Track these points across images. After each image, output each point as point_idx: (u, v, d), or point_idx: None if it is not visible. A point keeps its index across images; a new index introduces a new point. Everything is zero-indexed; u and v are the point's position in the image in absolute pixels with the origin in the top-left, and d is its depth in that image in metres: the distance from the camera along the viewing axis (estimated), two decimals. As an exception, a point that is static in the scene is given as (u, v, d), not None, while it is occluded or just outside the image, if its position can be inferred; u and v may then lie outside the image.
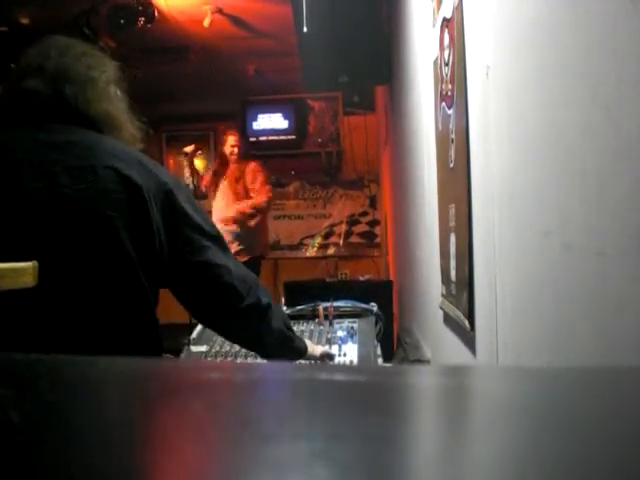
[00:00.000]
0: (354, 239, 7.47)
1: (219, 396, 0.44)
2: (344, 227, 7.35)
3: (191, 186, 5.43)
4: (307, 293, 2.79)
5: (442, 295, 2.01)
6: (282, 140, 7.29)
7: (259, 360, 1.91)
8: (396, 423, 0.37)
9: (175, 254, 1.49)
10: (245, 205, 5.25)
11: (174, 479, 0.31)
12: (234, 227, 5.19)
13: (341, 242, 7.20)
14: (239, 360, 2.05)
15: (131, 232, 1.42)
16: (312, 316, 2.44)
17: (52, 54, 1.49)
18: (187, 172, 5.58)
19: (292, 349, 1.75)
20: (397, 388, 0.45)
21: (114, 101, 1.56)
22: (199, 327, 2.33)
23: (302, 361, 1.83)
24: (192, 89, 7.04)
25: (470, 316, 1.58)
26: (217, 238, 1.57)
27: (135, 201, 1.43)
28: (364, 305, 2.52)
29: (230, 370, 0.55)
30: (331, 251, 7.38)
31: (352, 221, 7.50)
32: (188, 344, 2.21)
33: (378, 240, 7.34)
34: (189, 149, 5.59)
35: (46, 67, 1.47)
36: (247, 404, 0.42)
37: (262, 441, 0.33)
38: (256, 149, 6.95)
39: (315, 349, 1.89)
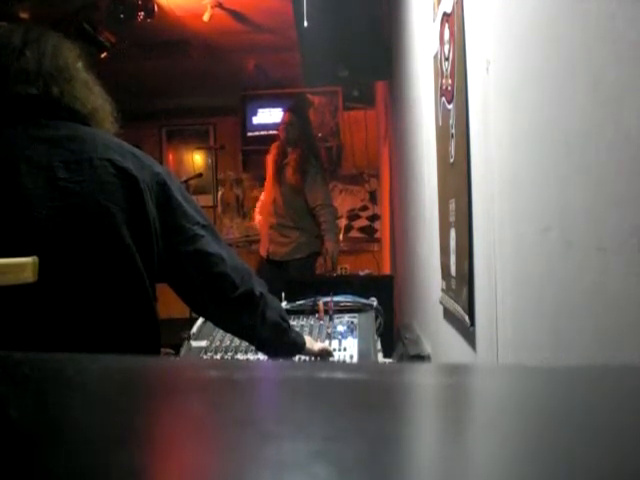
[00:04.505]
0: (354, 234, 7.47)
1: (218, 394, 0.43)
2: (344, 222, 7.34)
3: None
4: (307, 288, 2.79)
5: (442, 290, 2.01)
6: (282, 135, 7.28)
7: (259, 356, 1.92)
8: (396, 422, 0.37)
9: (169, 244, 1.51)
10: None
11: (174, 478, 0.31)
12: None
13: (341, 237, 7.19)
14: (239, 355, 2.05)
15: (129, 223, 1.43)
16: (312, 311, 2.44)
17: (28, 54, 1.48)
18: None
19: (288, 342, 1.75)
20: (398, 387, 0.45)
21: (94, 90, 1.56)
22: (199, 322, 2.33)
23: (301, 357, 1.84)
24: (192, 84, 7.03)
25: (470, 311, 1.58)
26: (209, 227, 1.59)
27: (132, 192, 1.44)
28: (364, 300, 2.52)
29: (230, 368, 0.55)
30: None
31: (352, 216, 7.50)
32: (188, 339, 2.21)
33: (378, 235, 7.33)
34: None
35: (29, 68, 1.46)
36: (247, 403, 0.42)
37: (262, 440, 0.33)
38: (256, 143, 6.95)
39: (314, 345, 1.89)
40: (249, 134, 7.40)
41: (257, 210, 5.18)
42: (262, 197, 5.20)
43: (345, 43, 3.99)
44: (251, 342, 1.85)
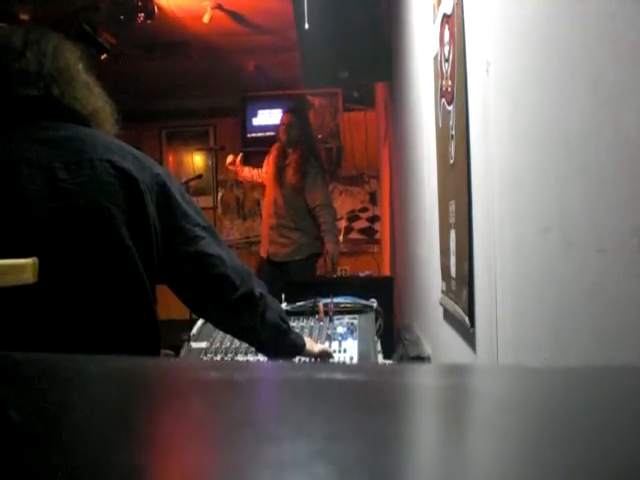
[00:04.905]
0: (354, 235, 7.47)
1: (218, 395, 0.43)
2: (344, 223, 7.34)
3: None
4: (307, 289, 2.79)
5: (442, 291, 2.01)
6: (282, 136, 7.28)
7: (259, 357, 1.91)
8: (396, 422, 0.37)
9: (169, 245, 1.51)
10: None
11: (174, 479, 0.31)
12: None
13: (341, 238, 7.20)
14: (239, 357, 2.05)
15: (129, 224, 1.43)
16: (312, 312, 2.44)
17: (29, 55, 1.48)
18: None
19: (288, 343, 1.75)
20: (397, 387, 0.45)
21: (94, 92, 1.56)
22: (199, 323, 2.33)
23: (301, 358, 1.83)
24: (192, 85, 7.04)
25: (470, 312, 1.57)
26: (209, 229, 1.59)
27: (132, 193, 1.44)
28: (364, 301, 2.51)
29: (230, 369, 0.55)
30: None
31: (352, 217, 7.50)
32: (188, 340, 2.21)
33: (378, 236, 7.33)
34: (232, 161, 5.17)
35: (30, 69, 1.46)
36: (247, 403, 0.42)
37: (262, 440, 0.33)
38: (256, 144, 6.95)
39: (314, 346, 1.89)
40: (249, 135, 7.40)
41: (235, 163, 5.17)
42: (247, 172, 5.22)
43: (345, 44, 3.99)
44: (251, 343, 1.85)
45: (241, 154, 5.32)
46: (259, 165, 5.21)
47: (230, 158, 5.21)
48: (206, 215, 1.67)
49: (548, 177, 1.02)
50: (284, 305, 2.42)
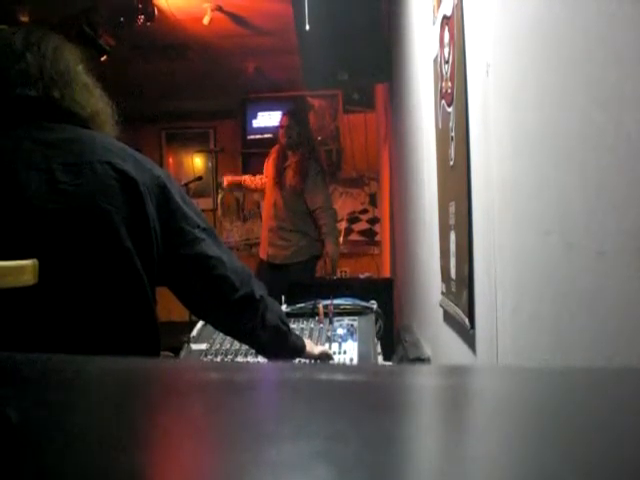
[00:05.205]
0: (354, 237, 7.47)
1: (219, 396, 0.43)
2: (344, 225, 7.34)
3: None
4: (307, 291, 2.79)
5: (442, 293, 2.01)
6: (282, 138, 7.28)
7: (260, 359, 1.91)
8: (396, 422, 0.37)
9: (169, 247, 1.50)
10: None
11: (174, 479, 0.31)
12: None
13: (341, 240, 7.20)
14: (239, 358, 2.05)
15: (129, 226, 1.43)
16: (312, 314, 2.44)
17: (29, 56, 1.48)
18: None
19: (288, 345, 1.75)
20: (397, 388, 0.45)
21: (94, 93, 1.56)
22: (199, 325, 2.33)
23: (301, 360, 1.83)
24: (192, 87, 7.04)
25: (470, 314, 1.57)
26: (209, 230, 1.58)
27: (132, 195, 1.44)
28: (364, 303, 2.51)
29: (230, 370, 0.55)
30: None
31: (352, 219, 7.50)
32: (188, 342, 2.21)
33: (378, 238, 7.33)
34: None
35: (30, 71, 1.46)
36: (247, 404, 0.42)
37: (262, 441, 0.33)
38: (256, 146, 6.95)
39: (314, 348, 1.89)
40: (249, 137, 7.41)
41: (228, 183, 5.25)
42: (250, 182, 5.27)
43: (345, 46, 3.99)
44: (251, 345, 1.84)
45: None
46: (259, 171, 5.21)
47: (226, 181, 5.28)
48: (206, 217, 1.67)
49: (548, 179, 1.02)
50: (284, 307, 2.42)
